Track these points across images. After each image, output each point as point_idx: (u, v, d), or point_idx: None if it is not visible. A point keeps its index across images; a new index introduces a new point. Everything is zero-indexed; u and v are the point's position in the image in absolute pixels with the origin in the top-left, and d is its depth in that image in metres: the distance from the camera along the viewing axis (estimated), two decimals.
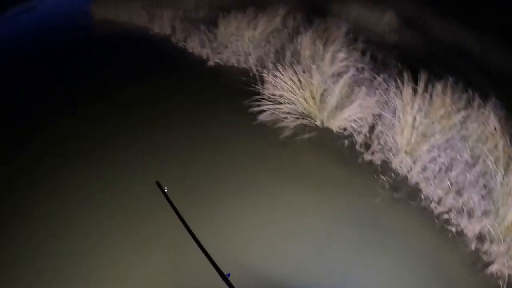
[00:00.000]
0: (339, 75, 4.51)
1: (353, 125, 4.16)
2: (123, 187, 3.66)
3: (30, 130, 4.58)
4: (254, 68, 5.46)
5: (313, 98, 4.38)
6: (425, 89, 4.02)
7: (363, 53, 5.27)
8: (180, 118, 4.66)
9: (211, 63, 5.91)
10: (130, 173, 3.83)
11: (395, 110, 4.00)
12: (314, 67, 4.46)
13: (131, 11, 7.73)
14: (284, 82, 4.52)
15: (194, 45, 6.33)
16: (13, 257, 3.05)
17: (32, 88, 5.55)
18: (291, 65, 4.66)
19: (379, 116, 4.13)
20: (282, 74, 4.55)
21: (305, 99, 4.41)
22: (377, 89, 4.37)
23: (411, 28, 6.50)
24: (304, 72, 4.51)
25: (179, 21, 7.07)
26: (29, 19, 8.55)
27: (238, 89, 4.93)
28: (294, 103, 4.48)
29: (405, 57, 5.40)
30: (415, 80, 4.14)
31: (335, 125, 4.26)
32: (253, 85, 4.87)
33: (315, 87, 4.37)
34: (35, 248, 3.10)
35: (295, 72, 4.53)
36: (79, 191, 3.63)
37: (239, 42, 5.99)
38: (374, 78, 4.60)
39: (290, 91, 4.48)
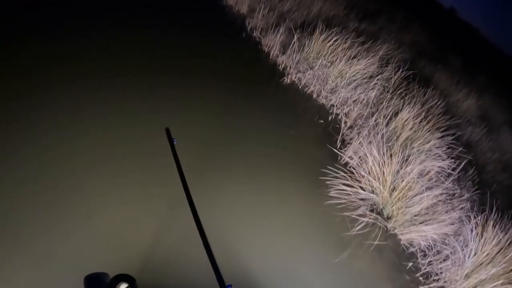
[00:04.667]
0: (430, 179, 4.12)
1: (422, 242, 3.69)
2: None
3: None
4: (334, 111, 4.82)
5: (398, 198, 3.75)
6: None
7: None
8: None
9: (287, 80, 5.09)
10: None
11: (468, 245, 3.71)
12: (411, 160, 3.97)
13: None
14: (369, 156, 3.90)
15: (272, 44, 5.47)
16: None
17: None
18: (383, 141, 4.04)
19: (450, 244, 3.76)
20: (369, 145, 4.00)
21: (389, 193, 3.77)
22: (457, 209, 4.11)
23: None
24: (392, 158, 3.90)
25: (266, 7, 6.09)
26: None
27: (312, 135, 4.37)
28: (373, 191, 3.82)
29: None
30: None
31: (404, 236, 3.72)
32: (331, 133, 4.43)
33: (404, 186, 3.77)
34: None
35: (388, 155, 3.91)
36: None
37: (326, 69, 5.14)
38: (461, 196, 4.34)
39: (374, 175, 3.83)
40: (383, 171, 3.81)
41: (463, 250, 3.66)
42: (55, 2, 4.60)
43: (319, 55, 5.22)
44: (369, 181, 3.82)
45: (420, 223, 3.71)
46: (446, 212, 3.92)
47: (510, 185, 5.92)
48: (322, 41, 5.24)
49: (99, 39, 4.28)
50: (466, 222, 3.96)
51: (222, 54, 5.13)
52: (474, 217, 3.98)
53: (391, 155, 3.98)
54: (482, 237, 3.77)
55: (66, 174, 2.75)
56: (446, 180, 4.34)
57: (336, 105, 4.87)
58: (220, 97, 4.25)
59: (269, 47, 5.47)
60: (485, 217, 3.96)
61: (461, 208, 4.24)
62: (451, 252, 3.69)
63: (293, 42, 5.34)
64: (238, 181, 3.36)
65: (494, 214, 3.98)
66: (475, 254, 3.63)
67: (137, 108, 3.57)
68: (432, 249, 3.69)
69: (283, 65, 5.26)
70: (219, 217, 2.94)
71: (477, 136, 6.71)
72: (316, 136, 4.40)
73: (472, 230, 3.83)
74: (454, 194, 4.41)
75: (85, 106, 3.35)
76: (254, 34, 5.78)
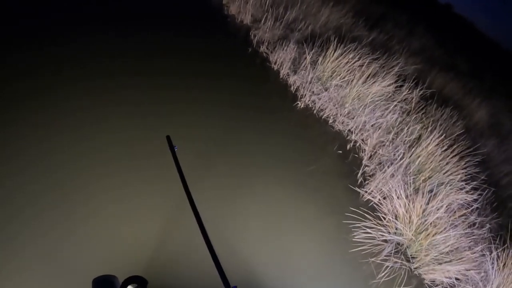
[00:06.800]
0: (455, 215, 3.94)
1: (445, 280, 3.53)
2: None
3: None
4: (353, 138, 4.56)
5: (423, 238, 3.56)
6: None
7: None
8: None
9: (300, 104, 4.76)
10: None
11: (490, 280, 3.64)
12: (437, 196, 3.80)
13: None
14: (394, 195, 3.70)
15: (281, 62, 5.13)
16: None
17: None
18: (407, 175, 3.97)
19: (472, 279, 3.62)
20: (392, 180, 3.81)
21: (414, 235, 3.58)
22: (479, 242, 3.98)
23: None
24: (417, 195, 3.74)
25: (271, 16, 5.78)
26: None
27: (331, 169, 4.06)
28: (396, 232, 3.62)
29: None
30: None
31: (428, 276, 3.56)
32: (351, 165, 4.20)
33: (430, 226, 3.61)
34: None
35: (412, 192, 3.74)
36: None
37: (342, 91, 4.82)
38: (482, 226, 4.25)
39: (399, 216, 3.63)
40: (409, 211, 3.59)
41: (485, 286, 3.59)
42: (69, 6, 4.62)
43: (334, 74, 4.91)
44: (393, 221, 3.60)
45: (444, 262, 3.55)
46: (469, 248, 3.77)
47: None
48: (336, 58, 4.92)
49: (106, 44, 4.27)
50: (487, 254, 3.83)
51: (226, 74, 4.77)
52: (495, 248, 3.86)
53: (415, 191, 3.77)
54: (503, 271, 3.67)
55: (70, 175, 2.77)
56: (468, 212, 4.17)
57: (354, 131, 4.60)
58: (226, 125, 3.95)
59: (278, 65, 5.14)
60: (505, 249, 3.89)
61: (483, 239, 4.10)
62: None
63: (304, 59, 5.01)
64: (249, 223, 3.13)
65: None
66: None
67: (143, 113, 3.60)
68: (455, 286, 3.57)
69: (295, 86, 4.94)
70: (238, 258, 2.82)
71: (490, 149, 6.53)
72: (335, 171, 4.13)
73: (493, 263, 3.74)
74: (475, 224, 4.22)
75: (91, 108, 3.37)
76: (261, 49, 5.43)
